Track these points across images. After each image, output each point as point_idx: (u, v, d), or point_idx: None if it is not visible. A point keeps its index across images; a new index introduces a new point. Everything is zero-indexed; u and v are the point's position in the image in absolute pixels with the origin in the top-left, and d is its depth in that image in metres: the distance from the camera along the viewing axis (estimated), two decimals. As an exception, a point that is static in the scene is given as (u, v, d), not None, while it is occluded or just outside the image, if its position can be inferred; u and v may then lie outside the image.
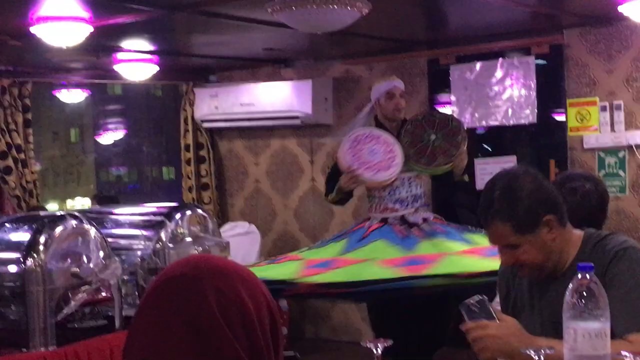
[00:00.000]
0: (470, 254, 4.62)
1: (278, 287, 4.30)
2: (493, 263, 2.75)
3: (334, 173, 5.25)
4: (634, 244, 2.40)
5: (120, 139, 13.94)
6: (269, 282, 4.14)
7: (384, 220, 5.09)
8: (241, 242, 7.05)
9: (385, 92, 5.24)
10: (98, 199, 6.79)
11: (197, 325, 1.35)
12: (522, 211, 2.34)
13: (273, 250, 7.53)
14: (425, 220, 5.08)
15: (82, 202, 13.76)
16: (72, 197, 14.11)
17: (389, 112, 5.25)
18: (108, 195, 7.04)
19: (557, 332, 2.39)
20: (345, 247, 4.96)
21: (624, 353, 1.79)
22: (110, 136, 13.78)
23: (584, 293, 1.82)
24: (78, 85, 7.86)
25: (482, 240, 4.57)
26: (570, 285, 1.85)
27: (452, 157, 5.04)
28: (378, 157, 5.10)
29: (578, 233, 2.48)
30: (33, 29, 4.77)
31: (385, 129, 5.23)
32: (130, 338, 1.41)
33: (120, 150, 14.42)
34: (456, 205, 7.04)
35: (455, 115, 6.66)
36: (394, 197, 5.14)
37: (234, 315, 1.37)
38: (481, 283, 4.37)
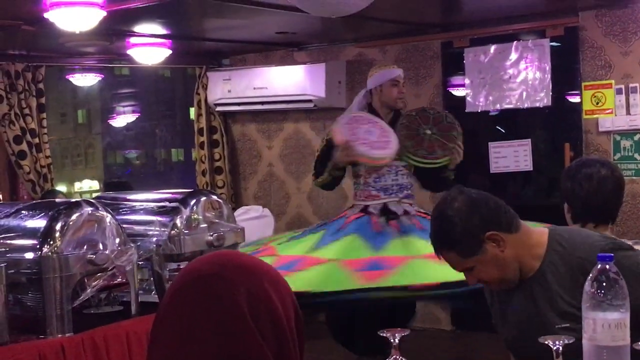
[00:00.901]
0: (436, 258, 4.58)
1: None
2: (453, 272, 2.79)
3: (324, 155, 5.25)
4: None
5: (132, 122, 13.90)
6: None
7: (365, 210, 5.11)
8: (255, 225, 7.04)
9: (390, 80, 5.24)
10: (108, 184, 6.80)
11: (227, 327, 1.33)
12: (460, 237, 2.38)
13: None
14: (406, 212, 5.08)
15: (90, 185, 13.73)
16: (80, 179, 14.04)
17: (391, 99, 5.26)
18: (119, 181, 7.04)
19: (523, 337, 2.45)
20: (319, 240, 5.00)
21: (643, 344, 1.78)
22: (122, 119, 13.74)
23: (604, 283, 1.81)
24: (91, 70, 7.86)
25: (391, 252, 4.69)
26: (590, 275, 1.83)
27: (450, 150, 5.07)
28: (374, 137, 5.11)
29: (539, 231, 2.50)
30: (47, 14, 4.77)
31: (379, 116, 5.25)
32: (155, 335, 1.39)
33: (130, 133, 14.36)
34: (471, 188, 7.01)
35: (468, 98, 6.66)
36: (379, 183, 5.17)
37: (264, 318, 1.35)
38: (433, 295, 4.49)
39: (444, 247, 2.43)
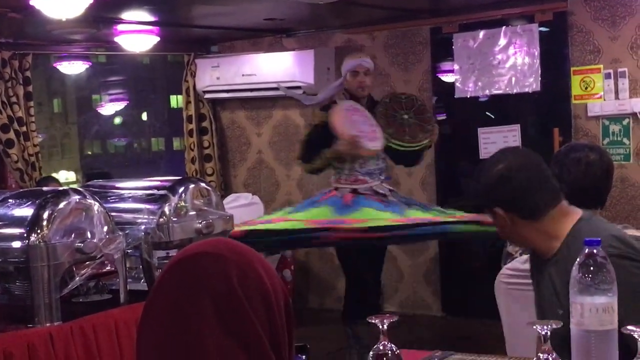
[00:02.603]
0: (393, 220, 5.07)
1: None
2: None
3: (315, 140, 5.43)
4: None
5: (109, 112, 13.58)
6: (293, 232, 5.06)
7: (354, 191, 5.36)
8: (244, 213, 7.02)
9: (350, 70, 5.46)
10: (89, 176, 6.77)
11: (220, 302, 1.34)
12: (477, 193, 2.48)
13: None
14: (391, 191, 5.46)
15: (66, 176, 13.32)
16: (57, 170, 13.62)
17: (352, 88, 5.47)
18: (100, 172, 7.00)
19: (541, 315, 2.45)
20: (294, 208, 5.54)
21: (630, 327, 1.78)
22: (104, 109, 13.45)
23: (591, 268, 1.81)
24: (78, 57, 7.82)
25: (417, 214, 5.15)
26: (577, 260, 1.83)
27: (430, 131, 5.42)
28: (367, 127, 5.35)
29: (568, 219, 2.44)
30: (33, 2, 4.74)
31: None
32: (148, 312, 1.40)
33: (108, 122, 14.05)
34: (461, 175, 7.03)
35: (457, 84, 6.66)
36: (364, 168, 5.40)
37: (255, 294, 1.37)
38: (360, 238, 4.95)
39: (469, 189, 2.54)
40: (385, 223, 4.96)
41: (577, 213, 2.43)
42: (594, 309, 1.79)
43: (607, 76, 6.09)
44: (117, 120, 13.88)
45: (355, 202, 5.25)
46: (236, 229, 4.99)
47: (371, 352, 2.01)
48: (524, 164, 2.42)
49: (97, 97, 13.72)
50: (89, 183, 4.27)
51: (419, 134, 5.39)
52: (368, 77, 5.46)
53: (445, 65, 6.89)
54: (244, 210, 7.04)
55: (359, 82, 5.43)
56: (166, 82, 12.44)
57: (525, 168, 2.42)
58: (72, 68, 8.00)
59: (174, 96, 12.14)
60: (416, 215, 5.15)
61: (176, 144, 12.97)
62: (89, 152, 14.54)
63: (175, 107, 12.39)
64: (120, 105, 13.23)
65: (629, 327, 1.78)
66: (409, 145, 5.38)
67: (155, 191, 3.80)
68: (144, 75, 13.44)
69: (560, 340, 2.01)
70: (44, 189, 3.74)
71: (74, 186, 6.22)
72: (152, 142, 14.51)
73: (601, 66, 6.11)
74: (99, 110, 13.54)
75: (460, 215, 4.98)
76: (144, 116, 13.92)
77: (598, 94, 6.13)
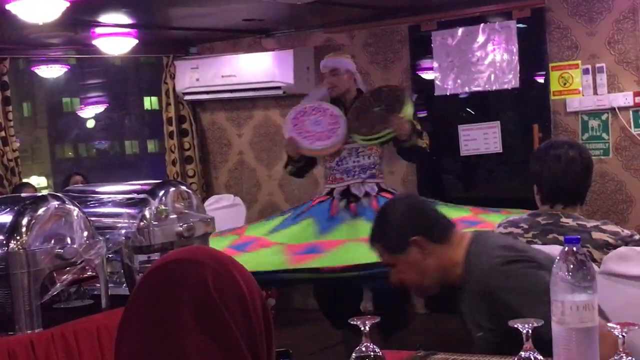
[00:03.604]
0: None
1: None
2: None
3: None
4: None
5: (80, 115, 13.29)
6: None
7: (330, 193, 5.31)
8: (227, 214, 7.00)
9: (321, 70, 5.52)
10: (66, 179, 6.70)
11: (198, 306, 1.36)
12: (391, 233, 2.60)
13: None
14: (367, 194, 5.21)
15: (37, 182, 13.00)
16: (27, 176, 13.24)
17: (332, 86, 5.44)
18: (76, 172, 6.93)
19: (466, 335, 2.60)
20: (280, 223, 5.33)
21: (610, 325, 1.78)
22: (81, 112, 13.19)
23: (571, 265, 1.81)
24: (55, 61, 7.77)
25: None
26: (557, 258, 1.84)
27: (392, 122, 5.18)
28: (321, 127, 5.35)
29: (463, 243, 2.60)
30: (9, 6, 4.71)
31: (341, 102, 5.43)
32: (127, 318, 1.41)
33: (80, 126, 13.70)
34: (442, 172, 7.04)
35: (437, 81, 6.67)
36: (341, 167, 5.35)
37: (231, 298, 1.38)
38: (344, 277, 4.67)
39: (374, 238, 2.67)
40: (361, 255, 4.50)
41: (468, 237, 2.62)
42: (575, 307, 1.79)
43: (586, 72, 6.12)
44: (89, 123, 13.60)
45: (338, 217, 5.13)
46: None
47: (354, 355, 2.01)
48: (417, 197, 2.85)
49: (67, 101, 13.46)
50: (68, 188, 4.24)
51: (377, 125, 5.26)
52: (336, 77, 5.39)
53: (425, 63, 6.90)
54: (226, 211, 7.02)
55: (328, 82, 5.44)
56: (139, 84, 12.23)
57: (422, 200, 2.83)
58: (50, 72, 7.95)
59: (148, 98, 11.93)
60: (332, 238, 4.98)
61: (151, 146, 12.75)
62: (60, 157, 14.15)
63: (150, 109, 12.17)
64: (95, 109, 13.00)
65: (610, 324, 1.79)
66: (365, 138, 5.27)
67: (135, 195, 3.77)
68: (116, 78, 13.17)
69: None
70: (23, 195, 3.71)
71: (46, 192, 6.17)
72: (125, 145, 14.22)
73: (579, 62, 6.14)
74: (71, 113, 13.26)
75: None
76: (118, 119, 13.64)
77: (576, 89, 6.15)
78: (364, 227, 4.66)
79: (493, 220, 4.52)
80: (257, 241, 5.15)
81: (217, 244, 4.72)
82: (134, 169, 13.11)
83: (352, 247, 4.68)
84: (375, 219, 2.71)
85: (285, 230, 5.19)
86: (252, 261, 4.68)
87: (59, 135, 14.00)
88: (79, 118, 13.33)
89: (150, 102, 12.00)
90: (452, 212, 4.81)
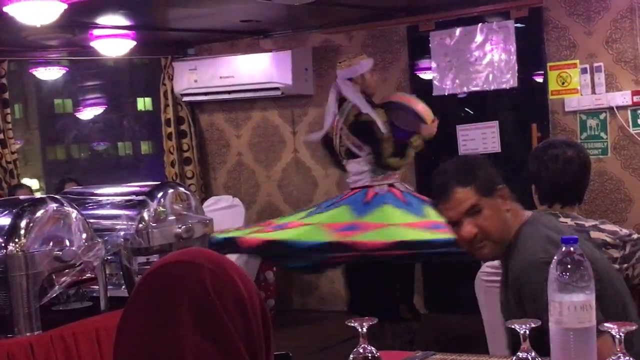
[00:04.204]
0: (412, 226, 4.98)
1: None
2: (430, 234, 2.92)
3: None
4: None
5: (72, 116, 13.10)
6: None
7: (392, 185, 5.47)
8: (225, 215, 7.01)
9: (370, 68, 5.57)
10: (60, 182, 6.68)
11: (196, 307, 1.36)
12: (481, 175, 2.53)
13: (257, 223, 7.51)
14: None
15: (29, 184, 12.82)
16: (20, 178, 13.02)
17: (372, 86, 5.56)
18: (69, 178, 6.92)
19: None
20: (312, 211, 5.55)
21: (608, 325, 1.79)
22: (85, 112, 13.08)
23: (569, 265, 1.81)
24: (53, 63, 7.77)
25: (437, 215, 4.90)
26: (555, 258, 1.84)
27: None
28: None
29: (520, 218, 2.58)
30: (6, 8, 4.71)
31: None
32: (126, 320, 1.41)
33: (71, 127, 13.48)
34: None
35: (435, 81, 6.68)
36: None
37: (229, 299, 1.38)
38: (387, 257, 4.86)
39: (461, 182, 2.51)
40: (407, 235, 4.82)
41: (525, 214, 2.59)
42: (572, 307, 1.79)
43: (584, 71, 6.12)
44: (83, 125, 13.45)
45: (377, 199, 5.26)
46: (250, 236, 5.03)
47: (351, 356, 2.01)
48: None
49: (59, 102, 13.32)
50: (66, 190, 4.24)
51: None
52: (356, 84, 5.58)
53: (423, 63, 6.90)
54: (225, 213, 7.03)
55: (378, 78, 5.78)
56: (133, 85, 12.10)
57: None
58: (49, 74, 7.95)
59: (142, 99, 11.80)
60: (369, 221, 5.12)
61: (144, 147, 12.63)
62: (53, 158, 13.95)
63: (143, 109, 12.04)
64: (90, 110, 12.85)
65: (606, 325, 1.79)
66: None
67: (133, 197, 3.78)
68: (110, 79, 13.00)
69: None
70: (21, 197, 3.71)
71: (38, 194, 6.15)
72: (118, 146, 14.03)
73: (577, 61, 6.14)
74: (64, 115, 13.10)
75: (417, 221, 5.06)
76: (111, 120, 13.45)
77: (575, 89, 6.15)
78: (395, 212, 5.10)
79: None
80: (292, 223, 5.35)
81: (242, 232, 5.21)
82: (128, 170, 12.95)
83: (394, 230, 4.88)
84: (460, 164, 2.64)
85: (321, 214, 5.34)
86: (291, 234, 5.10)
87: (51, 137, 13.80)
88: (72, 120, 13.16)
89: (144, 103, 11.86)
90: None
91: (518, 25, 6.39)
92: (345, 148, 5.50)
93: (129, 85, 12.42)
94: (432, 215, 5.01)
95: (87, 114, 12.92)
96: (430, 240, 4.68)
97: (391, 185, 5.41)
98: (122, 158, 13.63)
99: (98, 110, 12.88)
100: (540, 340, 1.86)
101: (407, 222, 5.00)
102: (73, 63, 8.55)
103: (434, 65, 6.71)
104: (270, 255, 5.50)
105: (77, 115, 13.00)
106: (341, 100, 5.52)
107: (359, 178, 5.43)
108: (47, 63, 7.69)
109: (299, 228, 5.19)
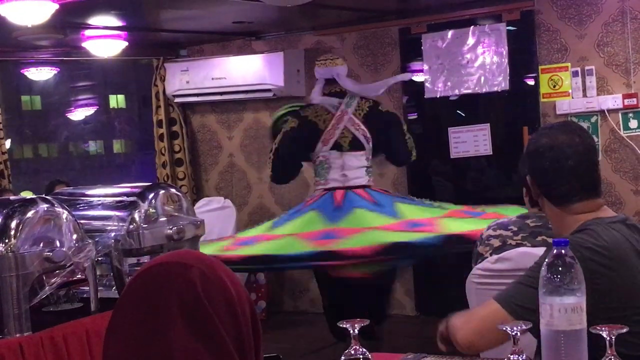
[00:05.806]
0: (388, 229, 4.83)
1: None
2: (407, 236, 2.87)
3: (289, 150, 5.58)
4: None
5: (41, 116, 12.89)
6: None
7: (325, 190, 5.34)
8: (217, 217, 7.01)
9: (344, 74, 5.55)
10: (51, 184, 6.64)
11: (186, 308, 1.36)
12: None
13: (249, 224, 7.50)
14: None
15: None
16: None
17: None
18: (58, 180, 6.89)
19: None
20: (276, 220, 5.34)
21: (598, 327, 1.79)
22: (81, 112, 12.95)
23: (560, 268, 1.81)
24: (45, 63, 7.75)
25: (410, 213, 5.02)
26: (546, 261, 1.84)
27: None
28: None
29: (577, 223, 2.34)
30: (-3, 9, 4.69)
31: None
32: (115, 320, 1.42)
33: (41, 127, 13.26)
34: (432, 174, 7.05)
35: (427, 84, 6.68)
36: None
37: (219, 300, 1.38)
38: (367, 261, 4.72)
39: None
40: (386, 238, 4.67)
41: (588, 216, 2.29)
42: (563, 309, 1.79)
43: (575, 74, 6.14)
44: (51, 123, 13.28)
45: (347, 203, 5.12)
46: (229, 253, 4.80)
47: (342, 357, 2.01)
48: (555, 152, 2.40)
49: (27, 99, 13.14)
50: (57, 191, 4.23)
51: None
52: None
53: (415, 66, 6.91)
54: (217, 214, 7.02)
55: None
56: (105, 83, 11.94)
57: (560, 153, 2.39)
58: (40, 74, 7.93)
59: (114, 96, 11.62)
60: (412, 215, 4.99)
61: (117, 146, 12.45)
62: (19, 157, 13.73)
63: (116, 107, 11.87)
64: (63, 108, 12.70)
65: (598, 327, 1.79)
66: None
67: (124, 198, 3.76)
68: (83, 76, 12.78)
69: None
70: (11, 197, 3.70)
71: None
72: (90, 145, 13.83)
73: (569, 64, 6.16)
74: (30, 112, 12.94)
75: (452, 209, 5.00)
76: (81, 118, 13.13)
77: (566, 92, 6.17)
78: (367, 215, 4.95)
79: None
80: (260, 237, 5.09)
81: (207, 249, 4.72)
82: (99, 169, 12.75)
83: (371, 234, 4.72)
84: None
85: (289, 224, 5.12)
86: (267, 247, 4.83)
87: (18, 136, 13.57)
88: (40, 117, 13.00)
89: (116, 101, 11.69)
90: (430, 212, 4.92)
91: (510, 28, 6.40)
92: (350, 139, 5.37)
93: (103, 82, 12.19)
94: (407, 213, 5.02)
95: (55, 111, 12.59)
96: (410, 242, 4.64)
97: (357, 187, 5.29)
98: (93, 156, 13.36)
99: (67, 108, 12.63)
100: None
101: (383, 225, 4.87)
102: (64, 63, 8.53)
103: (425, 67, 6.72)
104: (255, 269, 5.44)
105: (47, 113, 12.66)
106: (331, 94, 5.47)
107: (355, 174, 5.32)
108: (39, 63, 7.67)
109: (275, 241, 4.94)
